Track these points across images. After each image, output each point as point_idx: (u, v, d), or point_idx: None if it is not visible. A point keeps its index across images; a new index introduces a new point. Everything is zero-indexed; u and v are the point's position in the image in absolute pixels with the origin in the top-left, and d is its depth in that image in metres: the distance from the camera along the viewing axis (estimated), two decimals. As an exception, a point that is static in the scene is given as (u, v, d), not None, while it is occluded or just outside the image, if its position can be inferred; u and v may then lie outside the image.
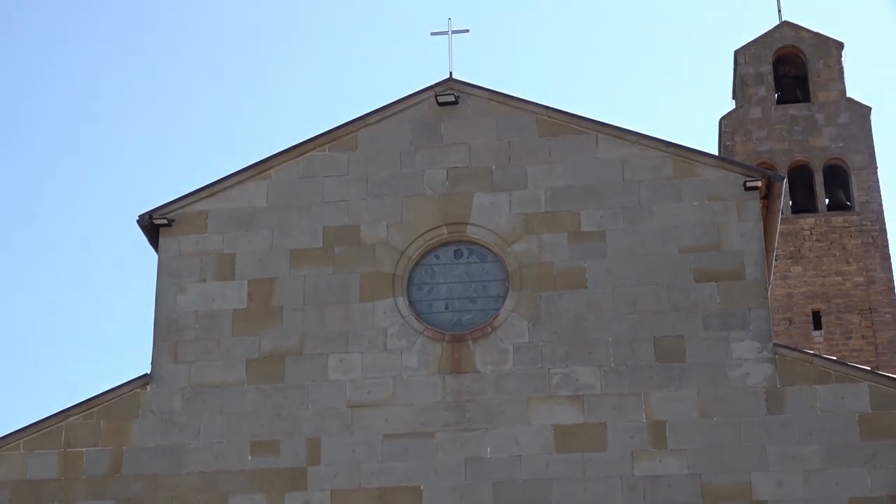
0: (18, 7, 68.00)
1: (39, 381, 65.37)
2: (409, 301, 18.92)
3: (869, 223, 29.14)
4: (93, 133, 69.77)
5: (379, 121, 19.86)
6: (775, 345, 18.07)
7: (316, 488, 17.95)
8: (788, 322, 27.84)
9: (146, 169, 69.67)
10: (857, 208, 29.65)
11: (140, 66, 70.53)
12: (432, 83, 19.92)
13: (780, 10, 32.28)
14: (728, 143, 30.79)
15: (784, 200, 19.21)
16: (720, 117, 31.67)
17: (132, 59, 70.59)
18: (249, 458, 18.22)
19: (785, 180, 19.95)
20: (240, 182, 19.76)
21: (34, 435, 18.66)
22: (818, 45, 31.69)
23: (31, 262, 68.84)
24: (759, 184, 18.82)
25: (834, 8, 67.80)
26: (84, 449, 18.53)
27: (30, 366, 65.64)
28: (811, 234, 29.24)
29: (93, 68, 69.82)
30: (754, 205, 18.77)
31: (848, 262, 28.65)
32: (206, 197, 19.69)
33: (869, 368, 18.40)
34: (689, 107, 73.70)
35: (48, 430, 18.67)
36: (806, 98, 31.33)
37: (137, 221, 19.64)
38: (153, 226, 19.59)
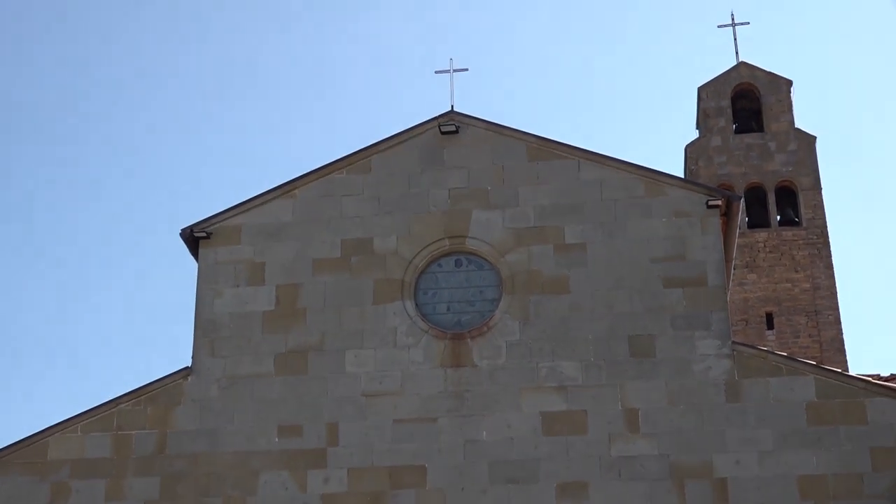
0: (79, 27, 68.06)
1: (95, 374, 65.61)
2: (416, 304, 18.92)
3: (814, 237, 29.16)
4: (146, 156, 69.84)
5: (390, 147, 19.87)
6: (733, 343, 18.12)
7: (334, 466, 17.96)
8: (745, 323, 27.83)
9: (189, 189, 69.81)
10: (804, 224, 29.65)
11: (183, 99, 70.58)
12: (436, 115, 19.90)
13: (737, 52, 32.40)
14: (692, 167, 30.83)
15: (741, 217, 19.25)
16: (686, 145, 31.67)
17: (177, 92, 70.68)
18: (276, 440, 18.24)
19: (742, 200, 20.03)
20: (269, 200, 19.76)
21: (90, 419, 18.68)
22: (770, 82, 31.75)
23: (89, 269, 68.90)
24: (719, 203, 18.87)
25: (785, 50, 67.80)
26: (133, 432, 18.56)
27: (87, 360, 65.79)
28: (764, 246, 29.22)
29: (146, 99, 69.88)
30: (715, 221, 18.79)
31: (796, 271, 28.64)
32: (240, 213, 19.70)
33: (815, 363, 18.41)
34: (658, 136, 73.62)
35: (102, 415, 18.71)
36: (760, 128, 31.32)
37: (180, 235, 19.65)
38: (194, 238, 19.61)
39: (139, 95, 69.44)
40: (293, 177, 19.96)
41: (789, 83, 31.80)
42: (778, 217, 30.15)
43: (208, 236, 19.61)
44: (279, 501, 17.93)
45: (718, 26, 33.44)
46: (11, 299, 66.86)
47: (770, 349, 19.85)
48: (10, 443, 18.74)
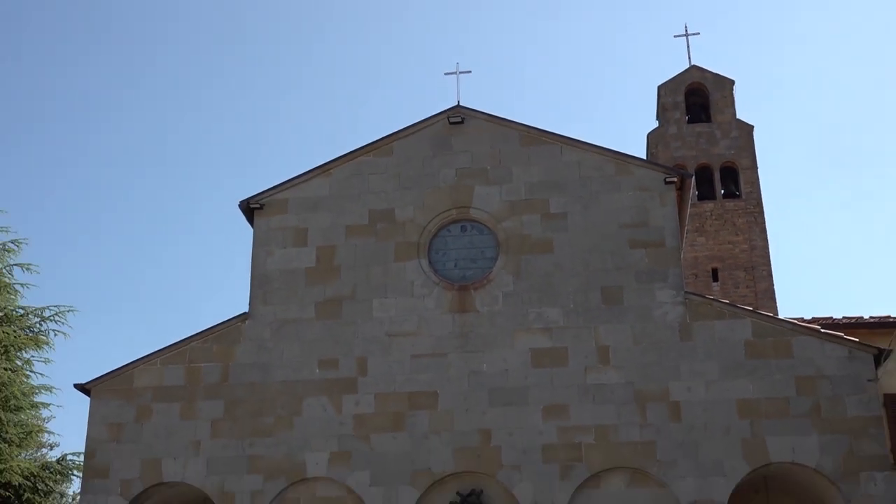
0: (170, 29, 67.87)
1: (172, 318, 66.46)
2: (429, 262, 18.92)
3: (751, 207, 29.04)
4: (214, 142, 70.04)
5: (407, 135, 19.80)
6: (686, 292, 18.16)
7: (364, 392, 18.07)
8: (695, 276, 27.79)
9: (246, 168, 70.22)
10: (743, 196, 29.49)
11: (240, 98, 70.64)
12: (445, 109, 19.85)
13: (689, 57, 32.20)
14: (653, 150, 30.77)
15: (692, 191, 19.23)
16: (648, 133, 31.52)
17: (236, 91, 70.73)
18: (317, 371, 18.32)
19: (693, 177, 19.87)
20: (310, 178, 19.74)
21: (168, 354, 18.80)
22: (716, 81, 31.58)
23: (168, 235, 69.41)
24: (675, 180, 18.88)
25: (729, 55, 67.70)
26: (202, 364, 18.66)
27: (166, 307, 66.51)
28: (711, 214, 29.12)
29: (221, 92, 69.96)
30: (672, 194, 18.78)
31: (737, 234, 28.54)
32: (286, 189, 19.68)
33: (751, 309, 18.44)
34: (626, 125, 73.71)
35: (177, 351, 18.81)
36: (708, 119, 31.13)
37: (239, 206, 19.70)
38: (250, 209, 19.62)
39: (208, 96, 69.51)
40: (329, 159, 19.96)
41: (732, 82, 31.69)
42: (722, 191, 30.08)
43: (261, 207, 19.61)
44: (319, 421, 18.02)
45: (675, 36, 33.29)
46: (113, 262, 67.71)
47: (715, 298, 19.88)
48: (103, 373, 18.91)
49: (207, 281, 69.48)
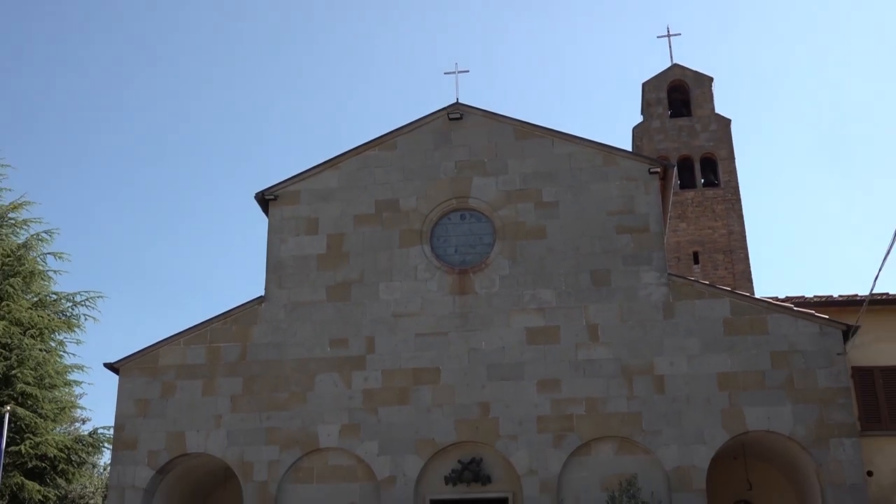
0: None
1: (194, 302, 66.82)
2: (431, 247, 18.89)
3: (729, 195, 28.97)
4: (230, 136, 70.01)
5: (410, 130, 19.76)
6: (669, 274, 18.13)
7: (372, 369, 18.09)
8: (677, 259, 27.76)
9: (261, 162, 70.29)
10: (722, 185, 29.43)
11: (258, 96, 70.58)
12: (445, 105, 19.82)
13: (671, 56, 32.33)
14: (638, 143, 30.70)
15: (674, 180, 19.26)
16: (633, 126, 31.43)
17: (248, 91, 70.67)
18: (328, 349, 18.33)
19: (675, 167, 20.01)
20: (320, 171, 19.70)
21: (190, 335, 18.84)
22: (696, 78, 31.48)
23: (193, 228, 69.49)
24: (658, 170, 18.83)
25: (708, 53, 67.65)
26: (222, 344, 18.69)
27: (189, 292, 66.75)
28: (692, 202, 29.05)
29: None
30: (655, 184, 18.74)
31: (716, 220, 28.48)
32: (298, 181, 19.66)
33: (729, 289, 18.45)
34: (613, 119, 73.79)
35: (199, 332, 18.86)
36: (689, 114, 31.03)
37: (254, 197, 19.71)
38: (264, 200, 19.60)
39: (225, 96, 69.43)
40: (337, 153, 19.95)
41: (711, 79, 31.61)
42: (702, 180, 30.06)
43: (275, 198, 19.60)
44: (330, 395, 18.07)
45: (658, 37, 33.30)
46: (138, 250, 67.87)
47: (696, 279, 19.86)
48: (130, 353, 18.98)
49: (226, 267, 69.92)
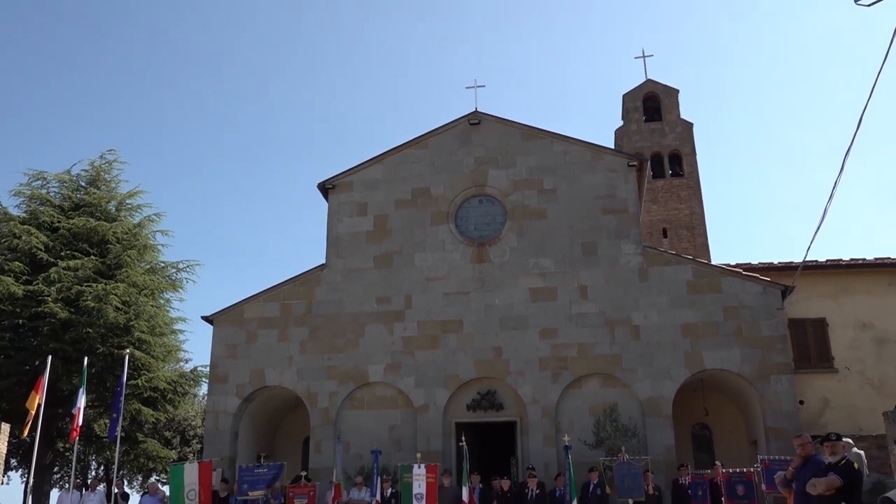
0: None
1: (270, 268, 67.91)
2: (456, 226, 18.85)
3: (692, 183, 28.56)
4: (298, 138, 69.94)
5: (439, 133, 19.68)
6: (644, 246, 18.06)
7: (409, 321, 18.13)
8: (650, 234, 27.52)
9: (323, 157, 70.35)
10: (685, 176, 29.04)
11: (312, 100, 70.35)
12: (467, 113, 19.74)
13: (646, 73, 31.73)
14: (619, 142, 30.40)
15: (648, 172, 19.01)
16: (615, 129, 31.22)
17: (302, 96, 70.39)
18: (375, 305, 18.37)
19: (648, 162, 19.86)
20: (369, 166, 19.65)
21: (268, 295, 18.89)
22: (665, 91, 31.07)
23: (273, 211, 69.80)
24: (635, 164, 18.72)
25: (675, 69, 66.85)
26: (292, 301, 18.74)
27: (267, 261, 67.39)
28: (662, 189, 28.72)
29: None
30: (633, 175, 18.62)
31: (681, 203, 28.17)
32: (351, 173, 19.62)
33: (691, 258, 18.37)
34: (599, 124, 73.42)
35: (274, 292, 18.90)
36: (660, 119, 30.69)
37: (317, 186, 19.69)
38: (325, 188, 19.60)
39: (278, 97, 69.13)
40: (382, 151, 19.93)
41: (677, 91, 31.21)
42: (670, 172, 29.76)
43: (334, 187, 19.59)
44: (377, 341, 18.14)
45: (635, 57, 32.73)
46: (230, 230, 68.42)
47: (665, 250, 19.81)
48: (221, 308, 19.11)
49: (296, 241, 70.68)
